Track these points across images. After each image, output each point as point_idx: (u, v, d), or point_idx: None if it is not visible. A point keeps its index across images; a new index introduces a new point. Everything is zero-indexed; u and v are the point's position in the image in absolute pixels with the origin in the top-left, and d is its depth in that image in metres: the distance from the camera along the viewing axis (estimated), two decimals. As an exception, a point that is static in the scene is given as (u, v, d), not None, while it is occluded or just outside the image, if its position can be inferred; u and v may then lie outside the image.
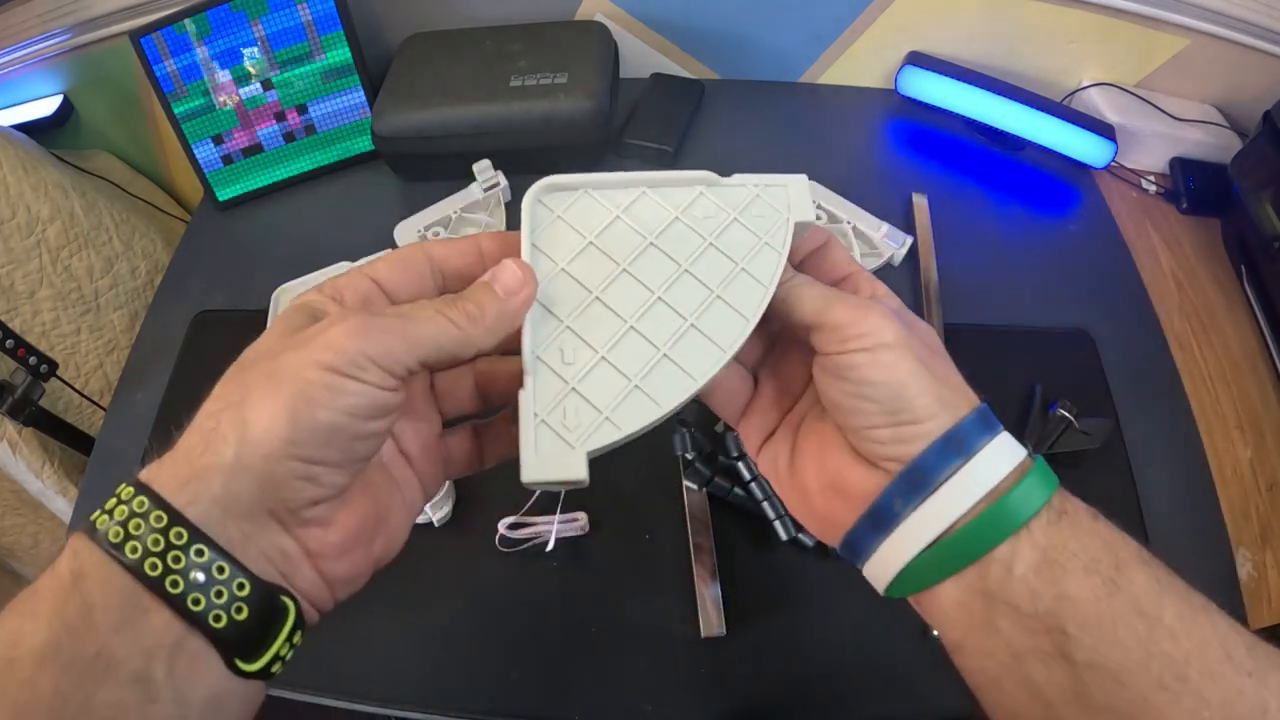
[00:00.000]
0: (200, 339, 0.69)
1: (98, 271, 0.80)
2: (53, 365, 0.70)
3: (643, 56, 0.87)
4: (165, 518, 0.22)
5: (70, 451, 0.78)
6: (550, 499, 0.57)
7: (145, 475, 0.23)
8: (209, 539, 0.22)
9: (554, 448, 0.27)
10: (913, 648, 0.52)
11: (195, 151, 0.77)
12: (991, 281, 0.70)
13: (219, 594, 0.22)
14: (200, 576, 0.22)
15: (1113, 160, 0.77)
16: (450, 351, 0.26)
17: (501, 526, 0.55)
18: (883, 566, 0.27)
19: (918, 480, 0.26)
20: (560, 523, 0.55)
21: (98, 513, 0.22)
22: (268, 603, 0.23)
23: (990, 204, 0.78)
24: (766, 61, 0.87)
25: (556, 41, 0.78)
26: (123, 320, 0.83)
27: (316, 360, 0.23)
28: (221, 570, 0.22)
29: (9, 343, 0.66)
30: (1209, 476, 0.60)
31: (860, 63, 0.86)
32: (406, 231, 0.72)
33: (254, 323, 0.69)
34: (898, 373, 0.26)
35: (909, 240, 0.69)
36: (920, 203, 0.74)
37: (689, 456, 0.55)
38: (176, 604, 0.21)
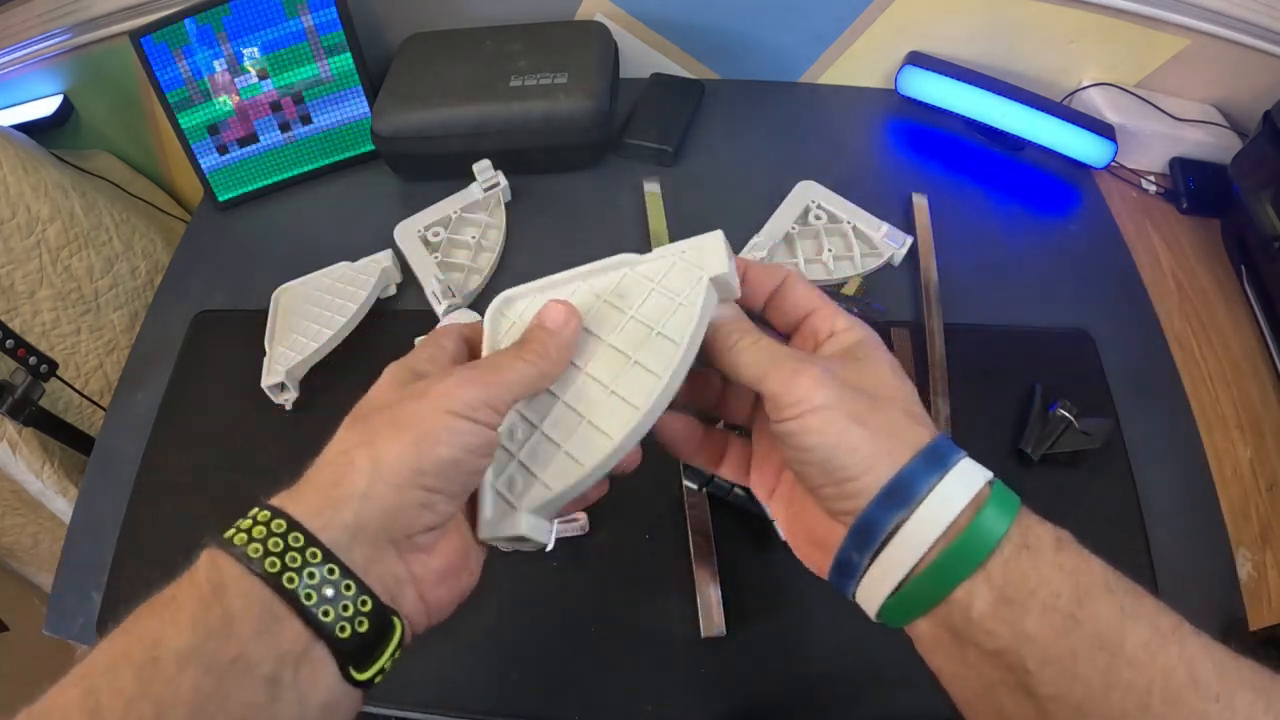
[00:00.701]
0: (200, 339, 0.69)
1: (98, 271, 0.80)
2: (53, 365, 0.70)
3: (643, 56, 0.87)
4: (302, 539, 0.25)
5: (70, 451, 0.78)
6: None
7: (278, 502, 0.26)
8: (339, 559, 0.25)
9: (501, 510, 0.31)
10: (912, 648, 0.52)
11: (195, 151, 0.77)
12: (991, 281, 0.70)
13: (345, 608, 0.25)
14: (330, 592, 0.25)
15: (1113, 160, 0.77)
16: (534, 386, 0.31)
17: (501, 526, 0.55)
18: (864, 605, 0.30)
19: (866, 534, 0.27)
20: (560, 523, 0.55)
21: (233, 531, 0.25)
22: (383, 619, 0.26)
23: (990, 204, 0.78)
24: (766, 61, 0.87)
25: (556, 41, 0.78)
26: (123, 320, 0.83)
27: (437, 406, 0.27)
28: (349, 588, 0.25)
29: (9, 343, 0.66)
30: (1209, 476, 0.60)
31: (860, 63, 0.86)
32: (406, 231, 0.72)
33: (254, 322, 0.69)
34: (827, 435, 0.27)
35: (909, 240, 0.69)
36: (920, 203, 0.74)
37: (689, 456, 0.55)
38: (308, 615, 0.24)
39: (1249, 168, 0.72)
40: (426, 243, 0.71)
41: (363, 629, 0.25)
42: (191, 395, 0.65)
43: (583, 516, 0.56)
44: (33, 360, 0.68)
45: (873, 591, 0.29)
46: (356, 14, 0.75)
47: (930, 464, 0.27)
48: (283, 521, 0.25)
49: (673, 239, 0.72)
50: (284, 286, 0.68)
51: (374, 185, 0.80)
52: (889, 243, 0.69)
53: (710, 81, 0.87)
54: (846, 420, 0.27)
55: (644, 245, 0.72)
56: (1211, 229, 0.77)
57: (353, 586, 0.25)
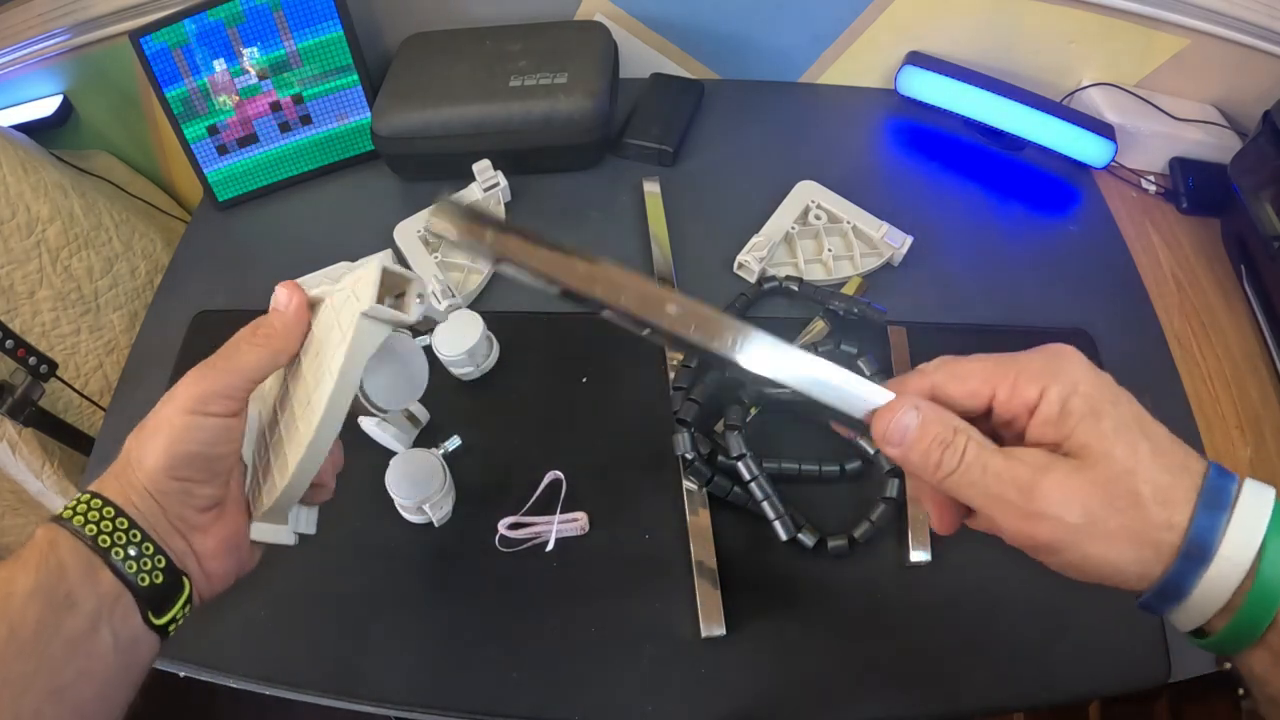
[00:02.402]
0: (200, 339, 0.69)
1: (98, 271, 0.80)
2: (52, 365, 0.70)
3: (643, 56, 0.87)
4: (113, 511, 0.33)
5: (70, 451, 0.78)
6: (551, 499, 0.57)
7: (95, 486, 0.34)
8: (140, 527, 0.33)
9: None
10: (911, 647, 0.52)
11: (195, 151, 0.76)
12: (991, 281, 0.70)
13: (145, 564, 0.33)
14: (133, 551, 0.33)
15: (1113, 160, 0.77)
16: (269, 366, 0.36)
17: (501, 526, 0.55)
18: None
19: (1167, 597, 0.27)
20: (560, 523, 0.55)
21: (65, 509, 0.33)
22: (174, 576, 0.34)
23: (990, 204, 0.78)
24: (766, 61, 0.87)
25: (556, 41, 0.78)
26: (123, 320, 0.83)
27: (178, 408, 0.34)
28: (148, 548, 0.33)
29: (9, 343, 0.66)
30: (1209, 476, 0.60)
31: (860, 63, 0.86)
32: (406, 231, 0.72)
33: (254, 323, 0.69)
34: (1087, 567, 0.27)
35: (908, 240, 0.69)
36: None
37: (689, 456, 0.55)
38: (116, 567, 0.32)
39: (1249, 168, 0.72)
40: (426, 243, 0.71)
41: (158, 581, 0.33)
42: (191, 395, 0.65)
43: (583, 516, 0.56)
44: (32, 360, 0.68)
45: (1181, 624, 0.29)
46: (356, 14, 0.75)
47: (1196, 552, 0.26)
48: (99, 500, 0.33)
49: (673, 239, 0.72)
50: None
51: (374, 185, 0.80)
52: (889, 242, 0.69)
53: (710, 81, 0.87)
54: (1102, 543, 0.27)
55: (644, 245, 0.72)
56: (1211, 229, 0.77)
57: (151, 547, 0.33)
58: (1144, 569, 0.27)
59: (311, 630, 0.53)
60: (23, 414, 0.68)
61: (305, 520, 0.41)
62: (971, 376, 0.30)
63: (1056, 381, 0.28)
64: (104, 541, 0.32)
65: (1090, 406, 0.28)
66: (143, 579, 0.33)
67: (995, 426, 0.30)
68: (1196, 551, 0.26)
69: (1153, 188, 0.80)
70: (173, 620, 0.34)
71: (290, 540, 0.40)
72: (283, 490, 0.36)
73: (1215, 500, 0.26)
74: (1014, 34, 0.82)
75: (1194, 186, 0.78)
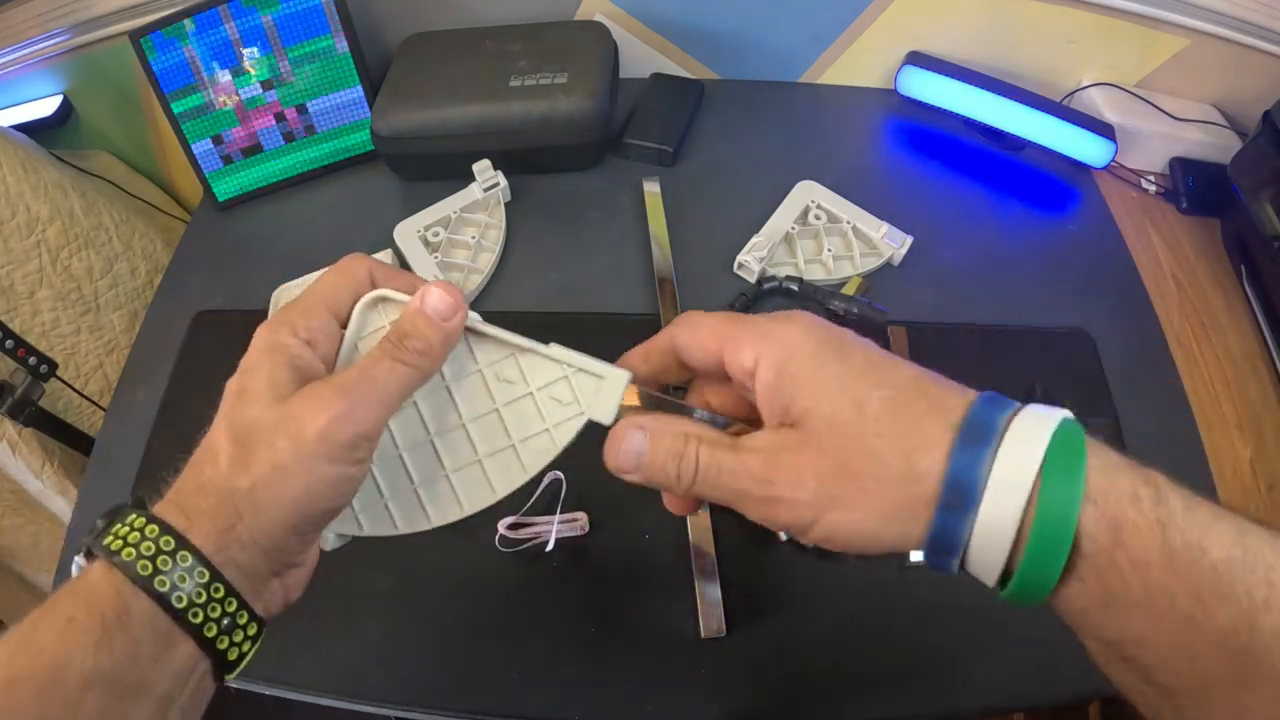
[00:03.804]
0: (200, 339, 0.69)
1: (98, 271, 0.80)
2: (53, 365, 0.70)
3: (643, 56, 0.87)
4: (207, 575, 0.26)
5: (70, 451, 0.78)
6: (551, 499, 0.57)
7: (183, 525, 0.27)
8: (240, 596, 0.27)
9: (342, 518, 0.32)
10: (911, 647, 0.52)
11: (195, 151, 0.76)
12: (991, 281, 0.70)
13: (236, 636, 0.27)
14: (226, 623, 0.27)
15: (1112, 160, 0.77)
16: (415, 388, 0.30)
17: (501, 526, 0.55)
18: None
19: (943, 548, 0.25)
20: (560, 523, 0.55)
21: (140, 559, 0.25)
22: (259, 634, 0.28)
23: (990, 204, 0.78)
24: (766, 61, 0.87)
25: (556, 41, 0.78)
26: (123, 320, 0.83)
27: (314, 456, 0.27)
28: (243, 617, 0.27)
29: (9, 343, 0.66)
30: (1209, 476, 0.60)
31: (860, 63, 0.86)
32: (406, 231, 0.72)
33: (254, 322, 0.68)
34: (842, 539, 0.26)
35: (908, 240, 0.69)
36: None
37: (689, 456, 0.55)
38: (208, 643, 0.26)
39: (1249, 168, 0.72)
40: (426, 243, 0.71)
41: (246, 650, 0.28)
42: (191, 395, 0.65)
43: (583, 517, 0.56)
44: (33, 360, 0.68)
45: (982, 576, 0.26)
46: (356, 14, 0.75)
47: (955, 504, 0.24)
48: (188, 555, 0.26)
49: (673, 239, 0.72)
50: (283, 286, 0.68)
51: (374, 185, 0.80)
52: (889, 242, 0.69)
53: (710, 81, 0.87)
54: (842, 513, 0.25)
55: (644, 245, 0.72)
56: (1211, 229, 0.77)
57: (245, 615, 0.27)
58: (901, 529, 0.24)
59: (311, 630, 0.53)
60: (23, 414, 0.68)
61: None
62: (703, 329, 0.29)
63: (770, 348, 0.27)
64: (195, 616, 0.26)
65: (808, 367, 0.26)
66: (232, 653, 0.27)
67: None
68: (957, 497, 0.23)
69: (1153, 188, 0.80)
70: (242, 670, 0.29)
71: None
72: (419, 528, 0.33)
73: (976, 435, 0.24)
74: (1014, 34, 0.82)
75: (1194, 186, 0.78)
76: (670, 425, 0.29)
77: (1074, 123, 0.77)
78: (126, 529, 0.26)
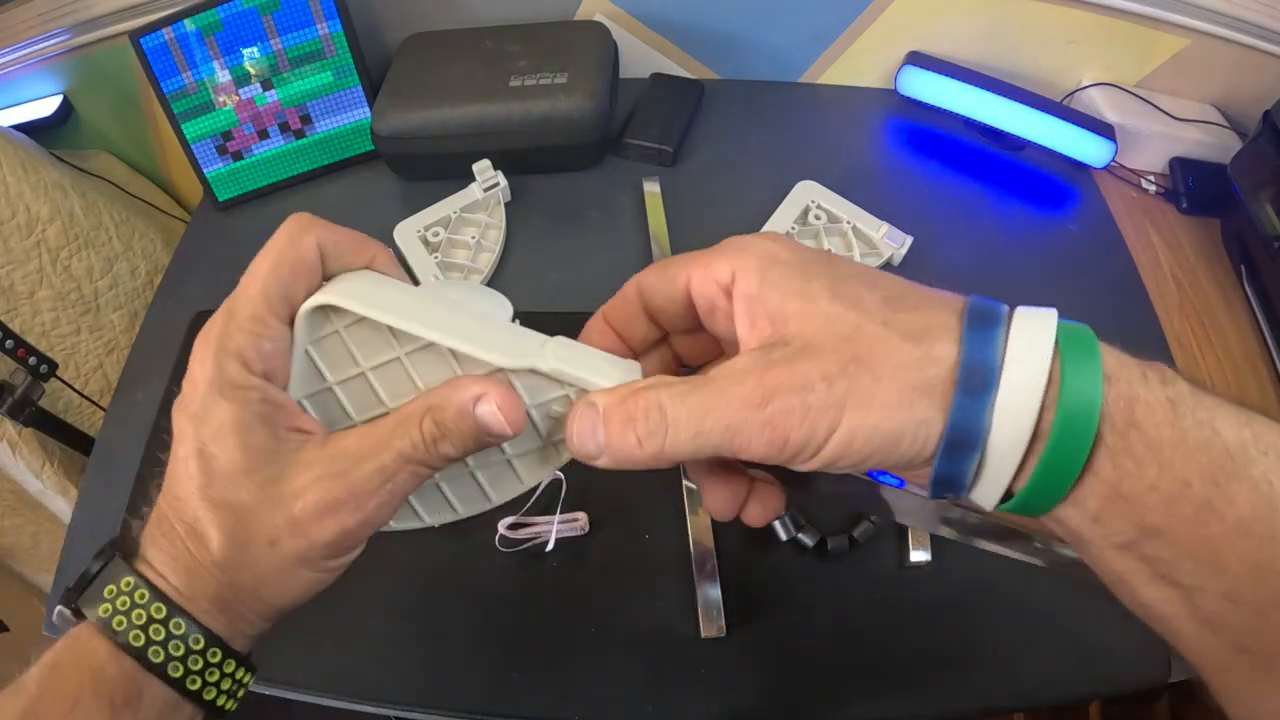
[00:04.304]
0: (200, 339, 0.69)
1: (98, 271, 0.80)
2: (53, 365, 0.70)
3: (643, 56, 0.87)
4: (220, 654, 0.26)
5: (70, 451, 0.78)
6: (551, 499, 0.57)
7: (182, 592, 0.25)
8: (238, 654, 0.27)
9: None
10: (911, 647, 0.52)
11: (195, 151, 0.76)
12: (991, 281, 0.70)
13: (237, 692, 0.27)
14: (227, 685, 0.26)
15: (1112, 160, 0.77)
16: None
17: (501, 526, 0.55)
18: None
19: (949, 486, 0.23)
20: (560, 523, 0.55)
21: (144, 639, 0.24)
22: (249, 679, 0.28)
23: (990, 204, 0.78)
24: (766, 61, 0.87)
25: (556, 41, 0.78)
26: (123, 320, 0.83)
27: (325, 557, 0.26)
28: (247, 679, 0.27)
29: (9, 343, 0.66)
30: (1209, 476, 0.60)
31: (860, 63, 0.86)
32: (406, 231, 0.72)
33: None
34: (859, 437, 0.22)
35: (908, 240, 0.69)
36: None
37: (689, 456, 0.55)
38: (210, 706, 0.26)
39: (1249, 168, 0.72)
40: (426, 243, 0.71)
41: (242, 695, 0.28)
42: (191, 395, 0.65)
43: (583, 517, 0.56)
44: (33, 360, 0.68)
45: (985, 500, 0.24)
46: (356, 14, 0.75)
47: (974, 385, 0.21)
48: (199, 636, 0.25)
49: (673, 239, 0.72)
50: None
51: (374, 185, 0.80)
52: (889, 242, 0.69)
53: (710, 81, 0.87)
54: (862, 411, 0.22)
55: (644, 245, 0.72)
56: (1211, 229, 0.77)
57: (249, 676, 0.27)
58: (923, 420, 0.22)
59: (311, 630, 0.53)
60: (23, 414, 0.68)
61: None
62: (670, 264, 0.27)
63: (749, 258, 0.25)
64: (209, 695, 0.26)
65: (794, 272, 0.24)
66: (229, 705, 0.27)
67: (715, 338, 0.28)
68: (975, 377, 0.21)
69: (1153, 188, 0.80)
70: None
71: None
72: (446, 520, 0.32)
73: (984, 318, 0.22)
74: (1014, 34, 0.82)
75: (1194, 186, 0.78)
76: (622, 389, 0.25)
77: (1074, 123, 0.77)
78: (124, 598, 0.25)
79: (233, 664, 0.26)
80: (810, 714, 0.51)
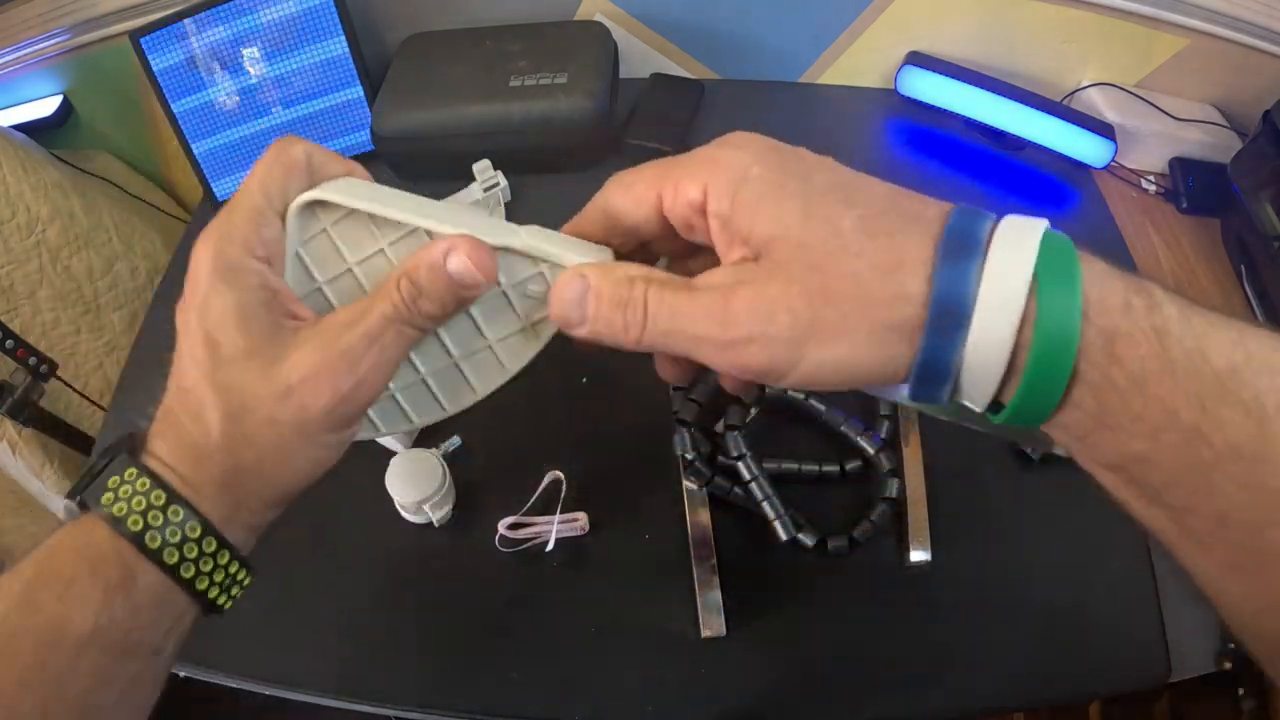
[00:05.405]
0: (200, 339, 0.69)
1: (98, 271, 0.80)
2: (53, 365, 0.70)
3: (643, 56, 0.87)
4: (214, 544, 0.26)
5: (70, 451, 0.78)
6: (551, 499, 0.57)
7: (187, 479, 0.26)
8: (232, 547, 0.27)
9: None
10: (911, 647, 0.52)
11: (195, 151, 0.77)
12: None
13: (234, 590, 0.28)
14: (222, 577, 0.27)
15: (1112, 160, 0.77)
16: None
17: (501, 526, 0.55)
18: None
19: (930, 382, 0.23)
20: (560, 523, 0.55)
21: (142, 524, 0.25)
22: (249, 579, 0.29)
23: (990, 204, 0.77)
24: (766, 61, 0.87)
25: (556, 41, 0.78)
26: (123, 320, 0.83)
27: (322, 430, 0.27)
28: (241, 574, 0.28)
29: (9, 343, 0.67)
30: (1209, 476, 0.60)
31: (860, 63, 0.86)
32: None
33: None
34: (824, 370, 0.23)
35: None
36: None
37: (689, 456, 0.55)
38: (204, 600, 0.27)
39: (1249, 168, 0.72)
40: (426, 243, 0.71)
41: (238, 595, 0.28)
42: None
43: (583, 517, 0.56)
44: (33, 360, 0.68)
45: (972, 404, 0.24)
46: (356, 14, 0.75)
47: (944, 326, 0.21)
48: (196, 524, 0.26)
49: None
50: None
51: (374, 185, 0.80)
52: (889, 243, 0.69)
53: (710, 81, 0.87)
54: (827, 346, 0.22)
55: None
56: (1211, 229, 0.77)
57: (244, 573, 0.28)
58: (891, 356, 0.22)
59: (311, 630, 0.53)
60: (23, 414, 0.68)
61: None
62: (638, 181, 0.26)
63: (719, 174, 0.24)
64: (201, 585, 0.26)
65: (766, 189, 0.23)
66: (224, 601, 0.28)
67: (694, 250, 0.27)
68: (947, 317, 0.21)
69: (1153, 188, 0.80)
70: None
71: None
72: (436, 419, 0.32)
73: (960, 248, 0.22)
74: (1014, 34, 0.82)
75: (1194, 186, 0.78)
76: (614, 270, 0.25)
77: (1074, 123, 0.77)
78: (126, 487, 0.26)
79: (227, 556, 0.27)
80: (810, 714, 0.51)
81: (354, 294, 0.30)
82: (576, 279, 0.26)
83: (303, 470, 0.28)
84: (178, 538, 0.25)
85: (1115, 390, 0.20)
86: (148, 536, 0.25)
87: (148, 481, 0.26)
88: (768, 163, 0.24)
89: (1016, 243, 0.21)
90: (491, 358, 0.31)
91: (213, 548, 0.26)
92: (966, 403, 0.23)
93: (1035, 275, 0.21)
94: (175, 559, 0.25)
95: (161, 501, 0.25)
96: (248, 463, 0.26)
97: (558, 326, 0.28)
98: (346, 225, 0.29)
